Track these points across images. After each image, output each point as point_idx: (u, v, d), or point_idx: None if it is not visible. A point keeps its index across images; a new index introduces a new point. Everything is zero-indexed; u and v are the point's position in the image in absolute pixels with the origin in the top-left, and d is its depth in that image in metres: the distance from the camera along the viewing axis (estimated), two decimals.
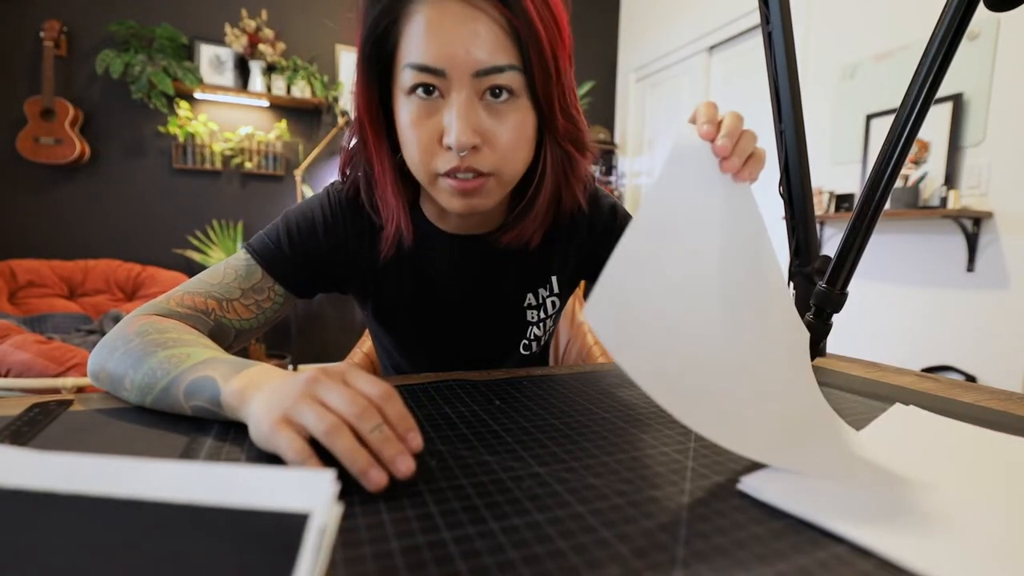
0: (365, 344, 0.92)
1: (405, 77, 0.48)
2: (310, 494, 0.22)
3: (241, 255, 0.58)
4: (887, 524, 0.28)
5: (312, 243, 0.59)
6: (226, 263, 0.58)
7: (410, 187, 0.58)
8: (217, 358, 0.43)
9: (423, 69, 0.47)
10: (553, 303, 0.68)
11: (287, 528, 0.21)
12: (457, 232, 0.63)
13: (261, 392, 0.36)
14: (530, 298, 0.66)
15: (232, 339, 0.57)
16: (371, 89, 0.52)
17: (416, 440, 0.33)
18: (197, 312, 0.53)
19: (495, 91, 0.48)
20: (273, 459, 0.36)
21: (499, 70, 0.47)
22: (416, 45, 0.47)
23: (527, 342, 0.69)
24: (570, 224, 0.66)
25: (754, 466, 0.36)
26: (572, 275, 0.69)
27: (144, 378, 0.43)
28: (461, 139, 0.47)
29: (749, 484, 0.32)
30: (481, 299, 0.65)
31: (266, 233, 0.60)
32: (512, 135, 0.50)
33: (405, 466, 0.31)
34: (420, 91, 0.48)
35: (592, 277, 0.68)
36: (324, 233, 0.60)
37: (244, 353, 0.57)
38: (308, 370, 0.35)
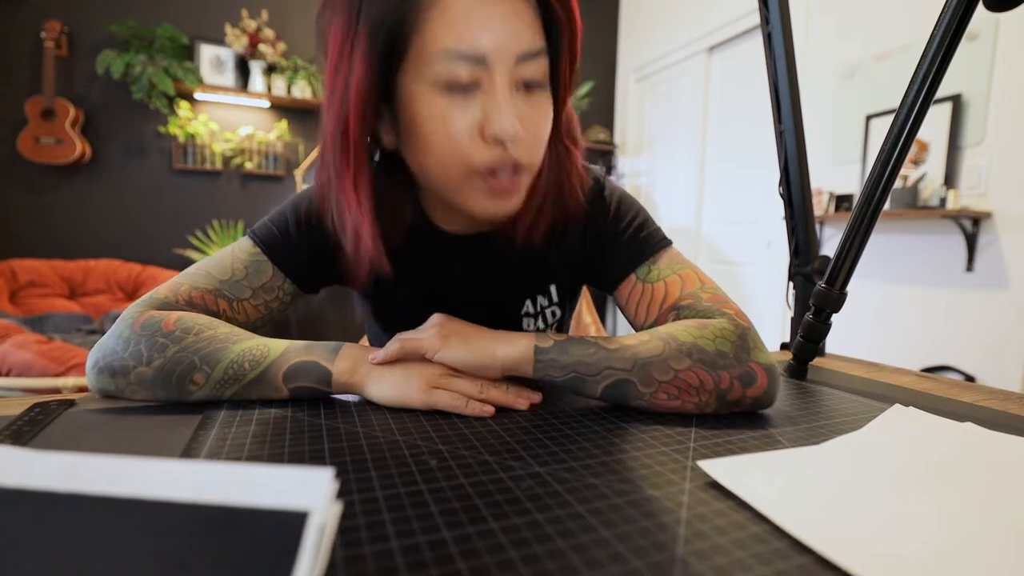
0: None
1: (439, 67, 0.42)
2: (309, 492, 0.22)
3: (247, 245, 0.54)
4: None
5: (319, 232, 0.55)
6: (232, 254, 0.54)
7: (409, 196, 0.55)
8: (299, 344, 0.49)
9: (465, 57, 0.42)
10: (553, 313, 0.65)
11: (287, 527, 0.21)
12: (460, 232, 0.58)
13: (382, 370, 0.48)
14: (528, 305, 0.63)
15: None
16: (373, 87, 0.43)
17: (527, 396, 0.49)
18: (209, 312, 0.52)
19: (527, 83, 0.45)
20: (271, 459, 0.36)
21: (533, 55, 0.44)
22: (451, 30, 0.41)
23: None
24: (569, 227, 0.60)
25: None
26: (572, 281, 0.65)
27: (226, 372, 0.46)
28: (515, 128, 0.43)
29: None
30: (480, 302, 0.61)
31: (273, 222, 0.55)
32: (541, 125, 0.47)
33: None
34: (457, 80, 0.42)
35: (594, 280, 0.63)
36: (324, 231, 0.55)
37: None
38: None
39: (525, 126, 0.45)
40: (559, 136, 0.53)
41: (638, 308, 0.56)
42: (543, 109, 0.47)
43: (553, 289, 0.64)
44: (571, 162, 0.55)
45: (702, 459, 0.37)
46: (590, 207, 0.59)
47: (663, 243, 0.58)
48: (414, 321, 0.56)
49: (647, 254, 0.57)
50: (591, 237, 0.60)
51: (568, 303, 0.67)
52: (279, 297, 0.56)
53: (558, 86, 0.48)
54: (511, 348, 0.47)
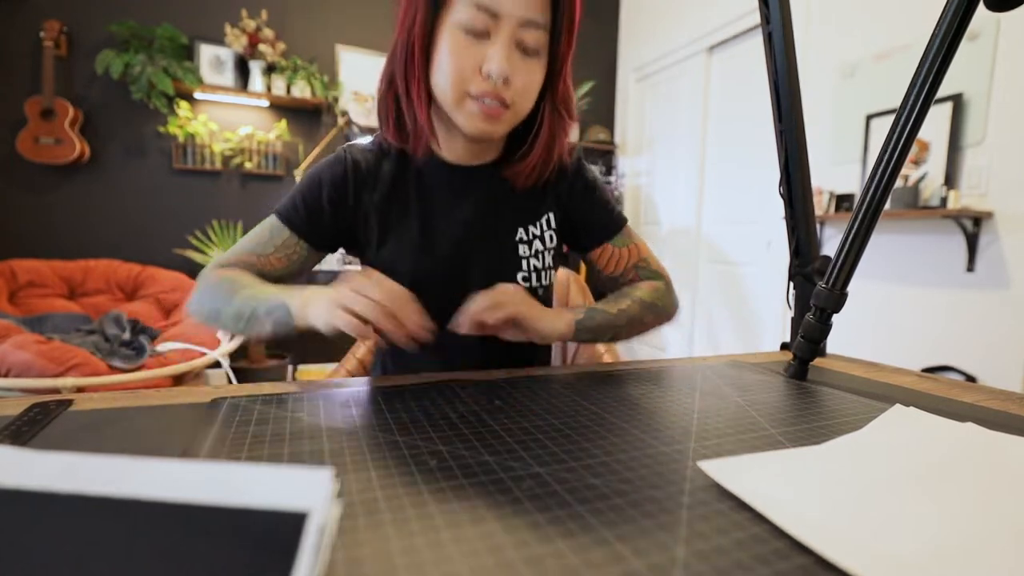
0: (359, 350, 0.92)
1: (461, 12, 0.58)
2: (309, 493, 0.22)
3: (273, 218, 0.69)
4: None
5: (318, 198, 0.68)
6: (262, 226, 0.69)
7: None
8: (281, 290, 0.59)
9: (482, 8, 0.57)
10: (551, 237, 0.75)
11: (286, 527, 0.21)
12: (458, 163, 0.72)
13: (318, 298, 0.54)
14: (521, 232, 0.74)
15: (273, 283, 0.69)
16: (427, 22, 0.60)
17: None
18: (244, 264, 0.67)
19: (524, 47, 0.60)
20: (271, 459, 0.36)
21: (536, 25, 0.59)
22: None
23: (525, 274, 0.73)
24: (560, 175, 0.77)
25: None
26: (560, 219, 0.77)
27: (235, 310, 0.60)
28: (502, 69, 0.58)
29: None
30: (478, 227, 0.72)
31: (290, 196, 0.70)
32: (530, 81, 0.62)
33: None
34: (472, 25, 0.58)
35: (573, 240, 0.79)
36: (329, 185, 0.69)
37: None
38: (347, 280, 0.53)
39: (514, 75, 0.60)
40: (555, 101, 0.67)
41: (608, 264, 0.78)
42: (533, 71, 0.62)
43: (551, 216, 0.76)
44: (564, 126, 0.70)
45: (702, 459, 0.37)
46: (575, 169, 0.77)
47: (624, 219, 0.79)
48: (415, 253, 0.69)
49: (619, 227, 0.78)
50: (576, 197, 0.77)
51: (553, 251, 0.77)
52: (297, 252, 0.69)
53: (556, 58, 0.64)
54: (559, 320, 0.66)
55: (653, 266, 0.78)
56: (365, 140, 0.75)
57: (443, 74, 0.60)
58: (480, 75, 0.59)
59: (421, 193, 0.71)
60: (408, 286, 0.69)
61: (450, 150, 0.71)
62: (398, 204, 0.71)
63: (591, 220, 0.77)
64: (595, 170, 0.79)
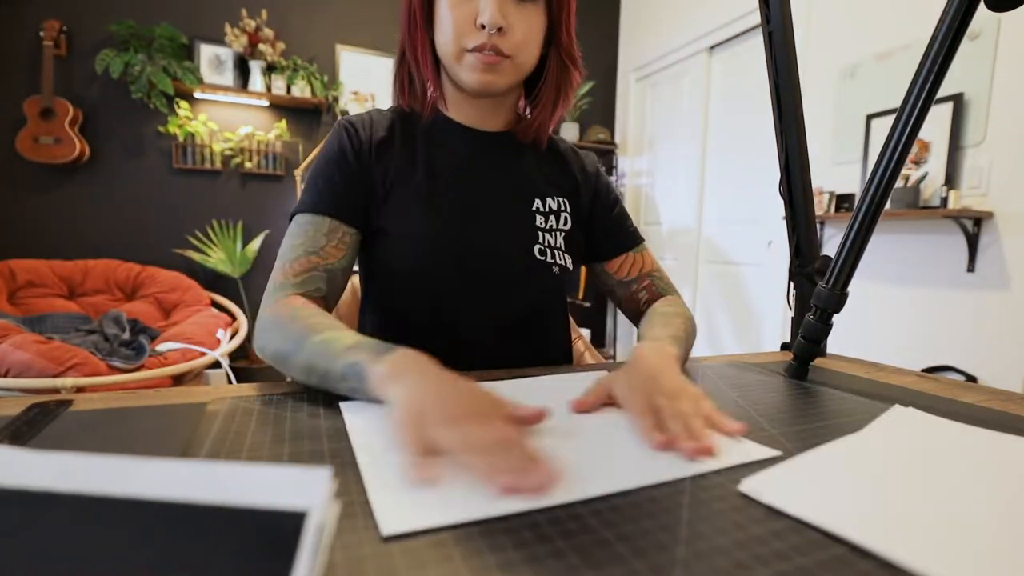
0: None
1: None
2: (307, 492, 0.22)
3: (299, 218, 0.64)
4: (887, 525, 0.28)
5: (333, 175, 0.65)
6: (297, 227, 0.63)
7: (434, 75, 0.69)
8: (362, 343, 0.49)
9: None
10: (566, 220, 0.74)
11: (285, 526, 0.21)
12: (470, 126, 0.72)
13: (403, 382, 0.42)
14: (538, 203, 0.72)
15: (341, 279, 0.65)
16: None
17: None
18: (309, 272, 0.61)
19: None
20: (271, 459, 0.36)
21: None
22: None
23: (541, 247, 0.70)
24: (570, 155, 0.79)
25: (757, 469, 0.36)
26: (577, 219, 0.76)
27: (307, 362, 0.51)
28: (493, 18, 0.59)
29: (750, 487, 0.32)
30: (489, 191, 0.70)
31: (307, 188, 0.66)
32: (528, 29, 0.63)
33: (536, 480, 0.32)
34: None
35: (593, 248, 0.79)
36: (352, 154, 0.66)
37: None
38: (450, 384, 0.41)
39: (510, 24, 0.61)
40: (560, 51, 0.68)
41: (622, 268, 0.78)
42: (530, 18, 0.63)
43: (560, 201, 0.74)
44: (569, 78, 0.71)
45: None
46: (603, 181, 0.80)
47: (642, 237, 0.81)
48: (426, 219, 0.66)
49: (639, 241, 0.80)
50: (600, 205, 0.78)
51: (567, 237, 0.73)
52: (347, 233, 0.65)
53: (555, 5, 0.65)
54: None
55: (667, 279, 0.80)
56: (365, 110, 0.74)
57: (443, 32, 0.63)
58: (475, 27, 0.60)
59: (429, 151, 0.70)
60: (412, 250, 0.67)
61: (461, 115, 0.72)
62: (405, 163, 0.69)
63: (615, 230, 0.78)
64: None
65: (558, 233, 0.72)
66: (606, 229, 0.78)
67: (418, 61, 0.67)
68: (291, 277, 0.60)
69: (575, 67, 0.71)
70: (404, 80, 0.71)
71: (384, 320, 0.72)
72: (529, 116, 0.73)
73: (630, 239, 0.79)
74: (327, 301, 0.63)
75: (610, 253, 0.78)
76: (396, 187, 0.68)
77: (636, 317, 0.79)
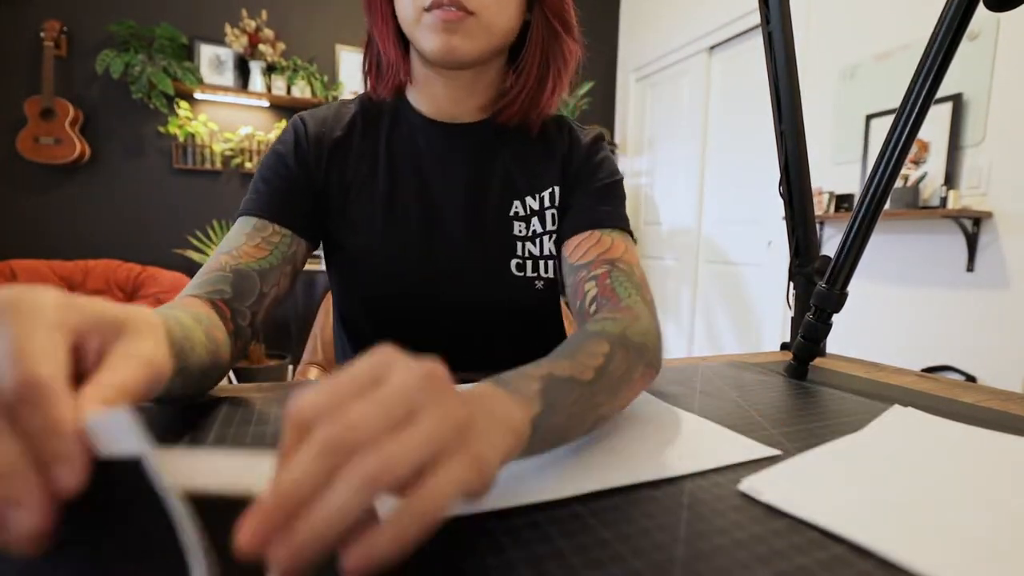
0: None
1: None
2: (252, 475, 0.22)
3: (236, 222, 0.59)
4: (887, 525, 0.28)
5: (275, 176, 0.59)
6: (232, 228, 0.59)
7: (402, 61, 0.61)
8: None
9: None
10: (553, 217, 0.63)
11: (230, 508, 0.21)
12: (439, 118, 0.63)
13: None
14: (517, 207, 0.62)
15: (259, 281, 0.54)
16: None
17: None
18: (214, 272, 0.52)
19: None
20: None
21: None
22: None
23: (519, 260, 0.62)
24: (565, 134, 0.66)
25: (757, 468, 0.36)
26: (562, 195, 0.65)
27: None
28: None
29: (750, 486, 0.32)
30: (459, 195, 0.62)
31: (250, 187, 0.61)
32: None
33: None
34: None
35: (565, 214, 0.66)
36: (293, 156, 0.60)
37: (244, 354, 0.56)
38: None
39: None
40: (545, 10, 0.58)
41: (577, 250, 0.60)
42: None
43: (543, 197, 0.64)
44: (560, 44, 0.60)
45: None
46: (588, 153, 0.65)
47: (626, 222, 0.63)
48: (394, 227, 0.59)
49: (612, 224, 0.61)
50: (578, 185, 0.64)
51: (555, 237, 0.64)
52: (276, 232, 0.57)
53: None
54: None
55: (636, 279, 0.55)
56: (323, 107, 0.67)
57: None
58: None
59: (391, 152, 0.62)
60: (371, 272, 0.60)
61: (430, 103, 0.62)
62: (363, 167, 0.61)
63: (585, 206, 0.62)
64: (616, 164, 0.68)
65: (544, 238, 0.63)
66: (576, 207, 0.63)
67: (380, 35, 0.60)
68: (197, 279, 0.53)
69: (567, 32, 0.60)
70: (372, 62, 0.63)
71: (355, 344, 0.68)
72: (510, 92, 0.61)
73: (600, 217, 0.61)
74: (232, 304, 0.51)
75: (569, 231, 0.61)
76: (353, 196, 0.61)
77: (579, 320, 0.56)
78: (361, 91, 0.68)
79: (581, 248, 0.59)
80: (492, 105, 0.64)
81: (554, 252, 0.64)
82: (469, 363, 0.58)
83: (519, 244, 0.62)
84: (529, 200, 0.63)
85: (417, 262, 0.61)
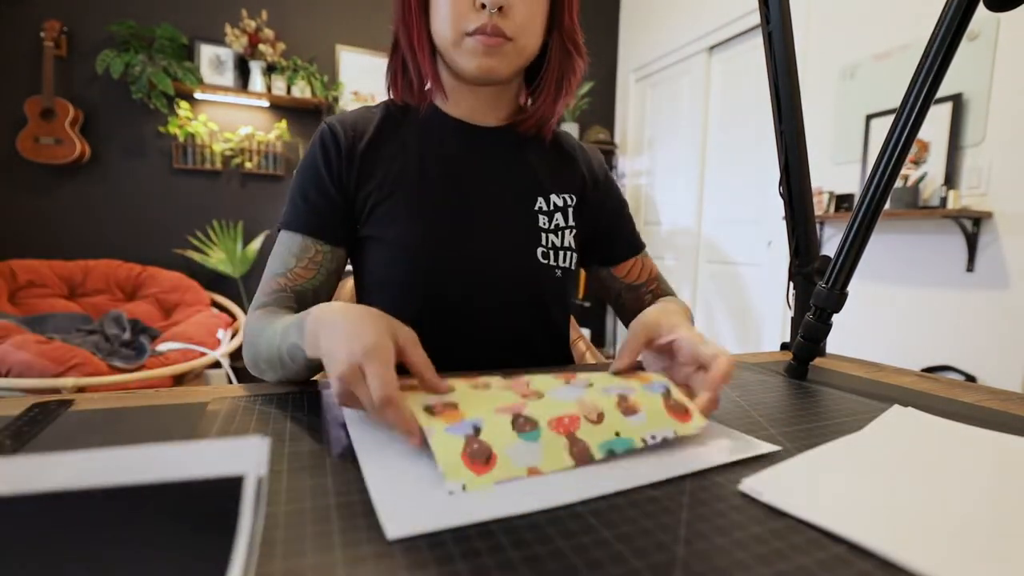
0: None
1: None
2: (243, 459, 0.22)
3: (280, 235, 0.64)
4: (887, 525, 0.28)
5: (312, 189, 0.64)
6: (277, 243, 0.64)
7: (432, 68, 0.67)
8: (292, 322, 0.50)
9: None
10: (570, 217, 0.72)
11: (225, 492, 0.21)
12: (468, 121, 0.69)
13: (322, 338, 0.42)
14: (541, 202, 0.70)
15: (311, 299, 0.63)
16: None
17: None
18: (276, 293, 0.62)
19: None
20: (271, 461, 0.36)
21: None
22: None
23: (544, 249, 0.68)
24: (577, 151, 0.77)
25: (757, 468, 0.36)
26: (582, 219, 0.74)
27: (267, 359, 0.54)
28: None
29: (750, 486, 0.32)
30: (488, 190, 0.68)
31: (287, 203, 0.66)
32: (530, 9, 0.60)
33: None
34: None
35: (600, 252, 0.77)
36: (325, 168, 0.64)
37: None
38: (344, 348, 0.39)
39: (511, 3, 0.58)
40: (563, 36, 0.66)
41: (632, 272, 0.78)
42: (531, 1, 0.60)
43: (565, 198, 0.72)
44: (573, 65, 0.69)
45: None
46: (611, 181, 0.79)
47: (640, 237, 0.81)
48: (423, 220, 0.64)
49: (643, 246, 0.80)
50: (608, 209, 0.77)
51: (573, 235, 0.72)
52: (320, 252, 0.64)
53: None
54: None
55: (666, 283, 0.80)
56: (352, 109, 0.71)
57: (441, 17, 0.60)
58: (475, 9, 0.58)
59: (422, 150, 0.67)
60: (406, 260, 0.64)
61: (459, 108, 0.69)
62: (396, 165, 0.66)
63: (624, 234, 0.78)
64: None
65: (565, 232, 0.70)
66: (616, 233, 0.77)
67: (414, 51, 0.64)
68: (263, 296, 0.62)
69: (578, 53, 0.68)
70: (397, 71, 0.68)
71: None
72: (531, 107, 0.70)
73: (638, 243, 0.79)
74: None
75: (620, 257, 0.77)
76: (386, 192, 0.65)
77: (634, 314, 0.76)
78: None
79: (633, 272, 0.78)
80: (512, 116, 0.72)
81: (573, 246, 0.72)
82: (495, 346, 0.67)
83: (543, 235, 0.69)
84: (553, 197, 0.71)
85: (449, 250, 0.65)
